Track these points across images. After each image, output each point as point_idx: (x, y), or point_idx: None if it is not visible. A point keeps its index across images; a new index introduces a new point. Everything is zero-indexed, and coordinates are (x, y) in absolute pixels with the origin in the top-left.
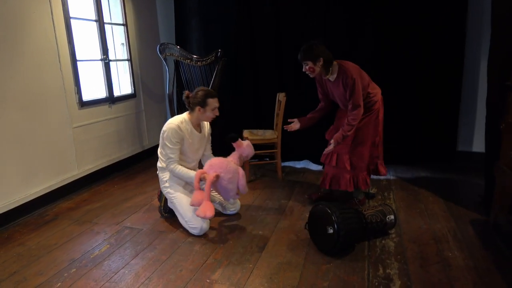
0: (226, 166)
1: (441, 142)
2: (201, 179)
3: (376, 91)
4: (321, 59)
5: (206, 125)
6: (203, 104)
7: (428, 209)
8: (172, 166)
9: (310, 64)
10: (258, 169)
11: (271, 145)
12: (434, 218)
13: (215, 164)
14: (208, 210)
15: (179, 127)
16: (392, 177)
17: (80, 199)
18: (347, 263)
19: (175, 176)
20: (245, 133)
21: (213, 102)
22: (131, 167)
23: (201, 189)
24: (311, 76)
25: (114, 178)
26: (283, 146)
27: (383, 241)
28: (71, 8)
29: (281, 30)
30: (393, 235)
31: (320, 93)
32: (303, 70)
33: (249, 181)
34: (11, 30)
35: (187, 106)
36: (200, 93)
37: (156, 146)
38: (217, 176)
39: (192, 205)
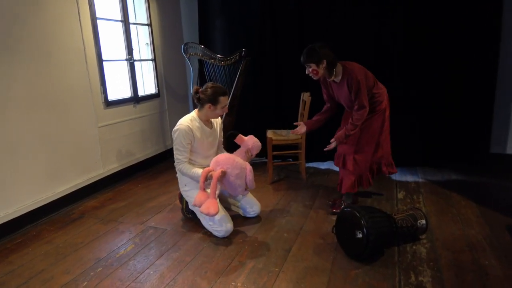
0: (233, 162)
1: (473, 144)
2: (208, 178)
3: (381, 91)
4: (324, 61)
5: (218, 119)
6: (214, 101)
7: (460, 214)
8: (180, 167)
9: (313, 66)
10: (281, 170)
11: (294, 146)
12: (468, 223)
13: (221, 160)
14: (211, 206)
15: (189, 127)
16: (420, 180)
17: (104, 198)
18: (377, 269)
19: (184, 175)
20: (269, 133)
21: (224, 100)
22: (154, 167)
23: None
24: (314, 78)
25: (137, 178)
26: (306, 146)
27: (413, 247)
28: (97, 9)
29: (304, 29)
30: (424, 241)
31: (325, 95)
32: (306, 72)
33: (272, 182)
34: (39, 30)
35: (195, 102)
36: (210, 90)
37: None
38: (224, 172)
39: (194, 205)
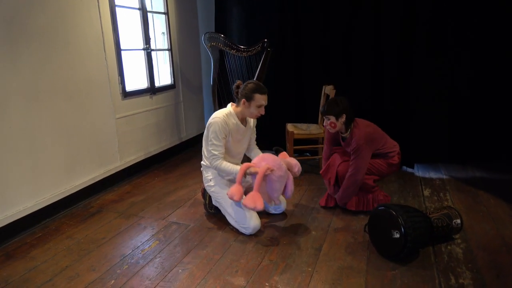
0: (280, 163)
1: (500, 140)
2: (246, 174)
3: (394, 150)
4: (344, 115)
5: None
6: (249, 98)
7: (491, 212)
8: (216, 163)
9: (332, 119)
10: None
11: (314, 140)
12: (500, 222)
13: (268, 158)
14: (258, 201)
15: (225, 121)
16: (444, 177)
17: (122, 191)
18: (414, 270)
19: (221, 173)
20: (289, 126)
21: (260, 99)
22: (170, 159)
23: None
24: (330, 131)
25: (154, 171)
26: None
27: (448, 247)
28: None
29: (329, 20)
30: (459, 241)
31: (329, 140)
32: (324, 124)
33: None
34: (58, 19)
35: (234, 96)
36: (250, 85)
37: (194, 138)
38: (270, 170)
39: (230, 195)
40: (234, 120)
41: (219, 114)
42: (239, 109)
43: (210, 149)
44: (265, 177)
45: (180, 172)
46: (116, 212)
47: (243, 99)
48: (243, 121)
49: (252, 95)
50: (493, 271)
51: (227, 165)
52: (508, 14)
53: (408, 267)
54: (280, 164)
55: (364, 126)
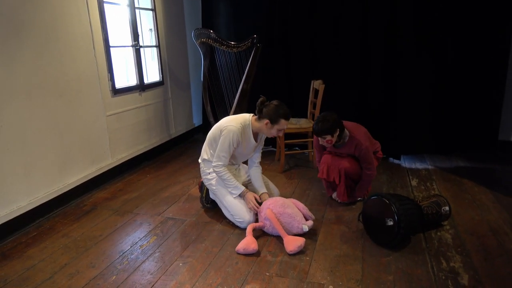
0: (281, 201)
1: (481, 131)
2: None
3: (378, 145)
4: (338, 130)
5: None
6: (274, 121)
7: (476, 200)
8: (220, 169)
9: (328, 137)
10: (289, 158)
11: (304, 134)
12: (485, 209)
13: (266, 203)
14: (252, 244)
15: (241, 132)
16: (430, 167)
17: (115, 189)
18: (407, 255)
19: (221, 180)
20: None
21: (284, 124)
22: (160, 156)
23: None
24: (327, 146)
25: (145, 168)
26: None
27: (438, 233)
28: None
29: (315, 14)
30: (447, 227)
31: (319, 147)
32: (320, 143)
33: (283, 171)
34: (47, 15)
35: (256, 112)
36: (277, 108)
37: (183, 135)
38: (271, 209)
39: (238, 250)
40: (249, 133)
41: (236, 123)
42: (258, 125)
43: (219, 154)
44: (278, 219)
45: (172, 168)
46: (110, 210)
47: (267, 120)
48: (256, 135)
49: (278, 119)
50: (481, 254)
51: (230, 178)
52: (487, 10)
53: (401, 253)
54: (283, 202)
55: (356, 129)
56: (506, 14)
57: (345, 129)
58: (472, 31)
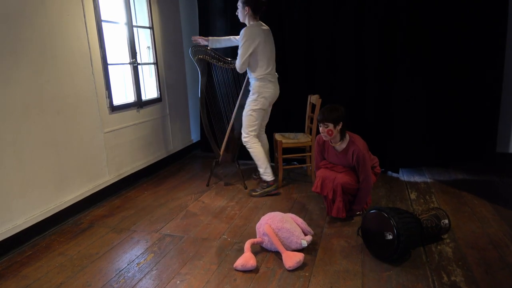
0: (279, 216)
1: (479, 143)
2: (253, 244)
3: (376, 160)
4: (341, 123)
5: None
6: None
7: (475, 212)
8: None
9: (330, 126)
10: (287, 173)
11: (302, 149)
12: (485, 221)
13: (264, 218)
14: (250, 260)
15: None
16: (429, 180)
17: (112, 206)
18: (408, 270)
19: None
20: (277, 136)
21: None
22: (158, 173)
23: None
24: (325, 139)
25: (142, 184)
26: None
27: (438, 247)
28: (102, 11)
29: (311, 33)
30: (448, 240)
31: (319, 153)
32: (321, 131)
33: (282, 186)
34: (45, 34)
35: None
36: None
37: (181, 151)
38: (269, 225)
39: (236, 267)
40: (265, 30)
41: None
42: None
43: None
44: (277, 233)
45: (169, 185)
46: (107, 227)
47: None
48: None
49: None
50: (482, 267)
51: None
52: (482, 22)
53: (401, 267)
54: (281, 217)
55: (357, 138)
56: (500, 28)
57: (347, 134)
58: (468, 42)
